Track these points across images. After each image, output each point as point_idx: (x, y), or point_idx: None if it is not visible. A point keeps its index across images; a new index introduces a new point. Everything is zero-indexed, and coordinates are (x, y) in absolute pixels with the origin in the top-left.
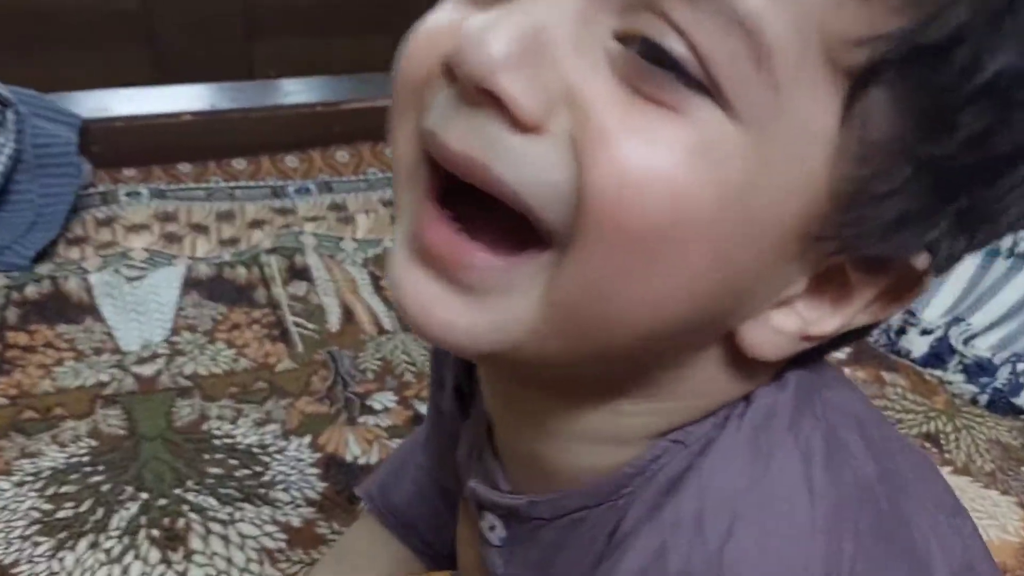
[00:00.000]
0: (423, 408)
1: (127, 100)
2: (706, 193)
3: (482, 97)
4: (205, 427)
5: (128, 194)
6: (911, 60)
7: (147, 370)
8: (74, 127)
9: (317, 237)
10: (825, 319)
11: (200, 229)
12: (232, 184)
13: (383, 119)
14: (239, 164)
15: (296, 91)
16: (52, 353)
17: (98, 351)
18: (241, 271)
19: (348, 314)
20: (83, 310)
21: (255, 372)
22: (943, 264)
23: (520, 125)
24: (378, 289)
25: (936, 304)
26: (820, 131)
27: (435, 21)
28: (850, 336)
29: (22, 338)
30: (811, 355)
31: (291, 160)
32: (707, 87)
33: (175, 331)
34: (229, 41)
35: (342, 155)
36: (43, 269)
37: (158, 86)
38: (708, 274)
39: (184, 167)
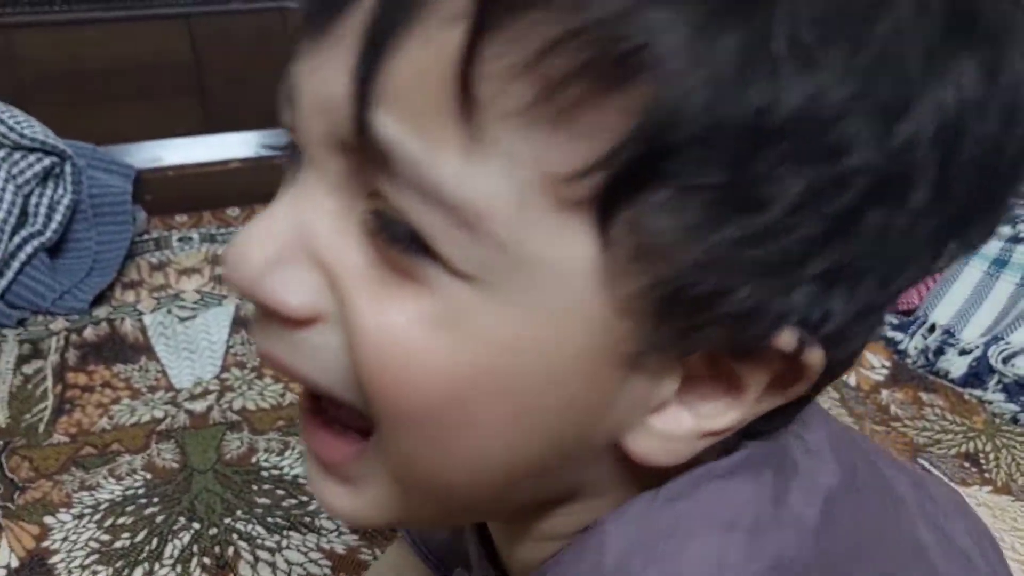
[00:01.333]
0: None
1: (178, 150)
2: (464, 359)
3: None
4: (253, 459)
5: (180, 239)
6: (646, 169)
7: (199, 406)
8: (128, 177)
9: None
10: (721, 414)
11: None
12: None
13: None
14: None
15: None
16: (109, 392)
17: (153, 389)
18: None
19: None
20: (138, 350)
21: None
22: (840, 329)
23: (293, 323)
24: None
25: (975, 324)
26: (575, 267)
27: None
28: (754, 429)
29: (81, 378)
30: (761, 429)
31: None
32: (434, 257)
33: (225, 368)
34: (275, 89)
35: None
36: (100, 312)
37: (207, 135)
38: (518, 424)
39: (233, 211)
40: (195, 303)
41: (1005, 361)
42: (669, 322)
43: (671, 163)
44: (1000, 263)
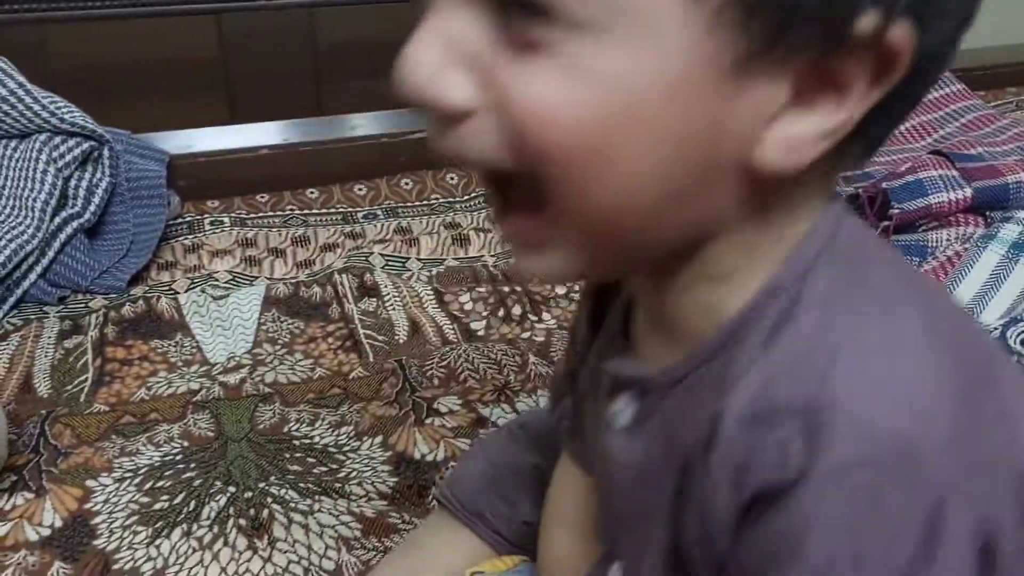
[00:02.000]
0: (485, 411)
1: (209, 137)
2: (597, 103)
3: (433, 108)
4: (285, 429)
5: (212, 223)
6: None
7: (232, 379)
8: (163, 162)
9: (384, 258)
10: (833, 113)
11: (278, 253)
12: (306, 212)
13: None
14: (312, 193)
15: (362, 125)
16: (147, 365)
17: (188, 363)
18: (316, 290)
19: (415, 327)
20: (174, 327)
21: (330, 380)
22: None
23: (458, 117)
24: (442, 304)
25: (993, 307)
26: None
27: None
28: (873, 133)
29: (120, 352)
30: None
31: (359, 189)
32: (556, 18)
33: (257, 344)
34: (298, 83)
35: (406, 183)
36: (137, 291)
37: (239, 124)
38: (655, 151)
39: (262, 197)
40: (227, 283)
41: (1023, 343)
42: (758, 24)
43: None
44: (1018, 246)
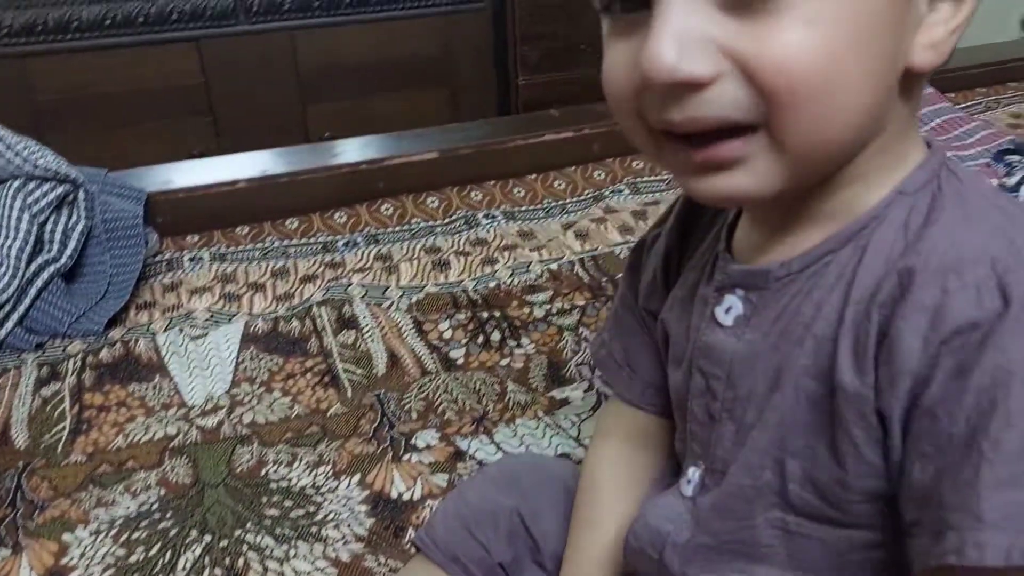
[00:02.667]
0: (463, 444)
1: (188, 172)
2: (825, 38)
3: (677, 86)
4: (263, 472)
5: (191, 259)
6: None
7: (210, 422)
8: (140, 201)
9: (364, 287)
10: (956, 12)
11: (257, 287)
12: (286, 242)
13: (423, 172)
14: (292, 223)
15: (341, 152)
16: (124, 411)
17: (166, 406)
18: (295, 324)
19: (393, 358)
20: (152, 369)
21: (308, 417)
22: None
23: (705, 85)
24: (421, 333)
25: None
26: None
27: (614, 61)
28: None
29: (98, 399)
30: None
31: (340, 216)
32: None
33: (235, 383)
34: (283, 106)
35: (387, 208)
36: (115, 333)
37: (216, 157)
38: (875, 70)
39: (242, 229)
40: (205, 321)
41: None
42: None
43: None
44: None
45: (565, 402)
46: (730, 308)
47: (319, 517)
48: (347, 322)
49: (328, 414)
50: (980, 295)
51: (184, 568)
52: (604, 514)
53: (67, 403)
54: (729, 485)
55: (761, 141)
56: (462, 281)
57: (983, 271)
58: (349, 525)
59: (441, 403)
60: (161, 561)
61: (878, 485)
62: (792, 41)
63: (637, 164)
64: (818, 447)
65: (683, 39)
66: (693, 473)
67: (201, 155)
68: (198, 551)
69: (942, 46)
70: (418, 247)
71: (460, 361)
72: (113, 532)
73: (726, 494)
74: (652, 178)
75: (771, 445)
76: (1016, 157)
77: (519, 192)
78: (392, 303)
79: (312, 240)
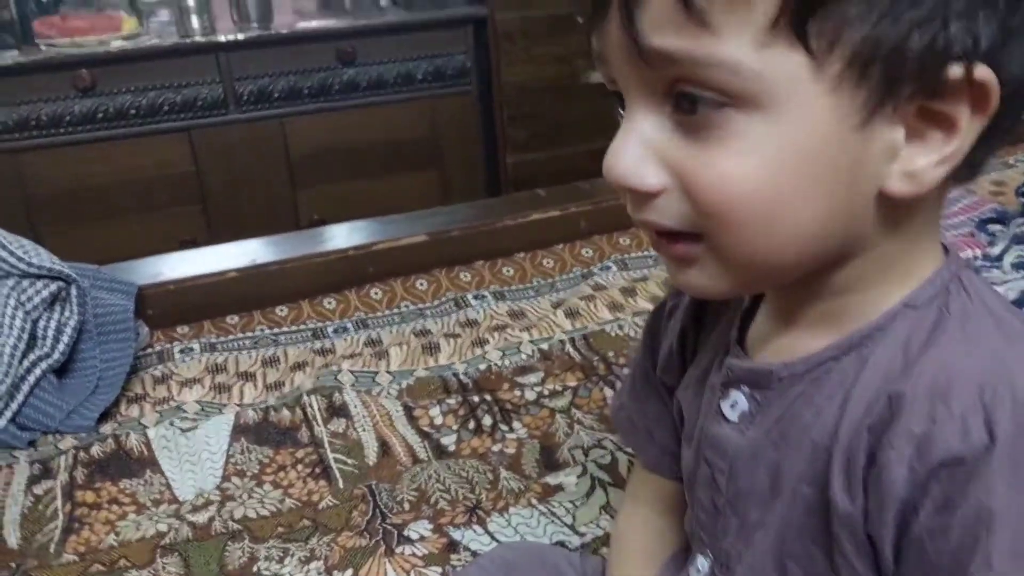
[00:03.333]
0: (456, 534)
1: (177, 263)
2: (765, 170)
3: (631, 191)
4: (255, 568)
5: (182, 351)
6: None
7: (201, 518)
8: (130, 295)
9: (354, 374)
10: (946, 143)
11: (247, 377)
12: (276, 330)
13: (411, 256)
14: (282, 311)
15: (330, 238)
16: (116, 508)
17: (157, 502)
18: (285, 414)
19: (384, 447)
20: (143, 464)
21: (300, 511)
22: (995, 47)
23: (653, 195)
24: (411, 419)
25: None
26: (797, 73)
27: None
28: (977, 156)
29: (90, 496)
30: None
31: (329, 302)
32: (730, 103)
33: (226, 477)
34: (275, 192)
35: (376, 293)
36: (106, 428)
37: (205, 247)
38: (812, 196)
39: (232, 319)
40: (196, 414)
41: None
42: (868, 85)
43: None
44: None
45: (559, 488)
46: (735, 403)
47: None
48: (337, 410)
49: (319, 507)
50: (966, 427)
51: None
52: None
53: (59, 501)
54: None
55: (705, 249)
56: (452, 364)
57: (970, 401)
58: None
59: (433, 492)
60: None
61: None
62: (731, 168)
63: (624, 241)
64: (816, 553)
65: (640, 150)
66: (703, 564)
67: (192, 242)
68: None
69: (922, 176)
70: (408, 331)
71: (452, 448)
72: None
73: None
74: (640, 254)
75: (773, 548)
76: (999, 226)
77: (508, 272)
78: (382, 389)
79: (302, 327)
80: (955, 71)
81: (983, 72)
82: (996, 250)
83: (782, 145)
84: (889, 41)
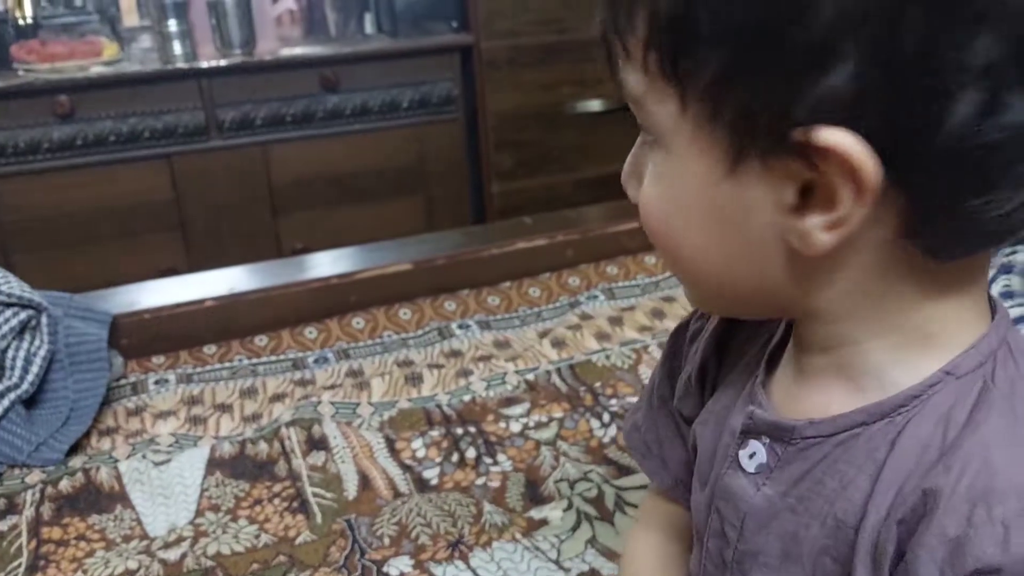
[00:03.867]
0: (438, 571)
1: (154, 292)
2: (664, 193)
3: None
4: None
5: (157, 381)
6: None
7: (172, 555)
8: (104, 324)
9: (334, 405)
10: (829, 212)
11: (224, 408)
12: (255, 360)
13: (394, 284)
14: (261, 340)
15: (314, 265)
16: (84, 545)
17: (127, 539)
18: (263, 446)
19: (365, 480)
20: (114, 499)
21: (276, 547)
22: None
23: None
24: (393, 452)
25: None
26: (673, 120)
27: None
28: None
29: (56, 532)
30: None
31: (310, 332)
32: (649, 137)
33: (199, 512)
34: (256, 219)
35: (358, 322)
36: (76, 462)
37: (183, 275)
38: (705, 228)
39: (210, 349)
40: (170, 447)
41: None
42: (721, 134)
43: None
44: None
45: (544, 522)
46: (754, 454)
47: None
48: (316, 443)
49: (296, 542)
50: (1008, 536)
51: None
52: None
53: (24, 538)
54: None
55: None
56: (436, 395)
57: (1013, 506)
58: None
59: (415, 527)
60: None
61: None
62: (646, 196)
63: (611, 270)
64: None
65: (630, 166)
66: None
67: (172, 271)
68: None
69: (810, 238)
70: (390, 361)
71: (434, 481)
72: None
73: None
74: (627, 283)
75: None
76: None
77: (494, 300)
78: (364, 421)
79: (282, 357)
80: (797, 135)
81: (831, 136)
82: (992, 290)
83: (672, 182)
84: (733, 87)
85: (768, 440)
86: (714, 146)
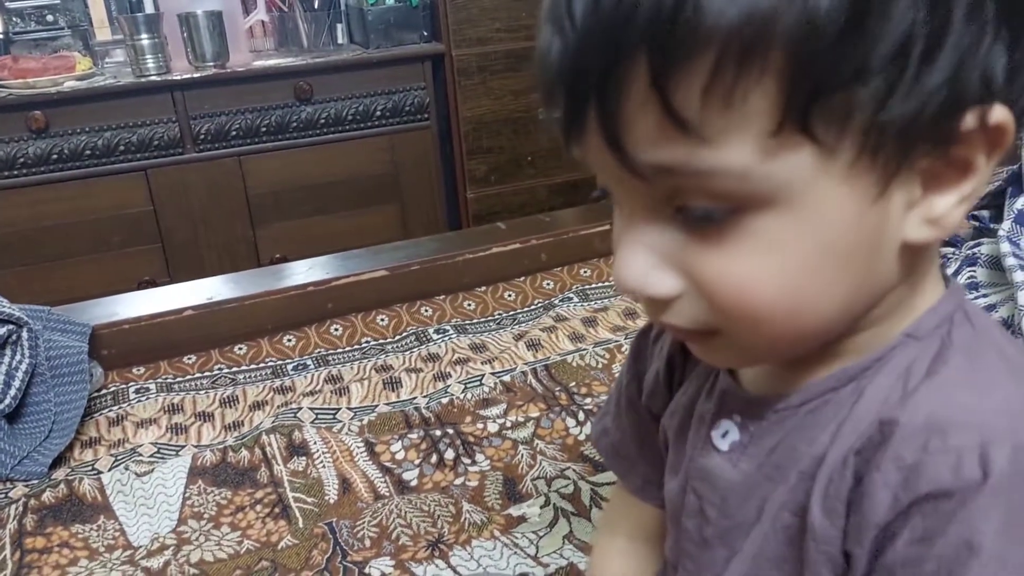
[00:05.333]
0: (419, 570)
1: (133, 303)
2: (785, 269)
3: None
4: None
5: (137, 391)
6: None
7: (156, 563)
8: (84, 336)
9: (314, 411)
10: (962, 185)
11: (205, 417)
12: (235, 369)
13: (371, 292)
14: (240, 349)
15: (291, 274)
16: (67, 553)
17: (110, 548)
18: (244, 453)
19: (345, 484)
20: (97, 509)
21: (258, 552)
22: (1007, 85)
23: (668, 302)
24: (373, 456)
25: None
26: (809, 171)
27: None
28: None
29: (39, 541)
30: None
31: (288, 339)
32: (741, 207)
33: (182, 520)
34: (234, 230)
35: (336, 329)
36: (59, 474)
37: (163, 286)
38: (841, 282)
39: (189, 359)
40: (152, 456)
41: None
42: (883, 160)
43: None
44: None
45: (522, 519)
46: (727, 433)
47: None
48: (297, 448)
49: (279, 547)
50: (960, 462)
51: None
52: None
53: (7, 551)
54: None
55: (726, 339)
56: (414, 399)
57: (969, 438)
58: None
59: (395, 528)
60: None
61: None
62: (750, 271)
63: (585, 272)
64: None
65: (650, 259)
66: None
67: (151, 283)
68: None
69: (944, 220)
70: (369, 366)
71: (413, 483)
72: None
73: None
74: (600, 284)
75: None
76: (951, 249)
77: (470, 305)
78: (343, 426)
79: (261, 365)
80: (969, 121)
81: (999, 114)
82: (948, 271)
83: (802, 240)
84: (903, 114)
85: (740, 418)
86: (866, 178)
